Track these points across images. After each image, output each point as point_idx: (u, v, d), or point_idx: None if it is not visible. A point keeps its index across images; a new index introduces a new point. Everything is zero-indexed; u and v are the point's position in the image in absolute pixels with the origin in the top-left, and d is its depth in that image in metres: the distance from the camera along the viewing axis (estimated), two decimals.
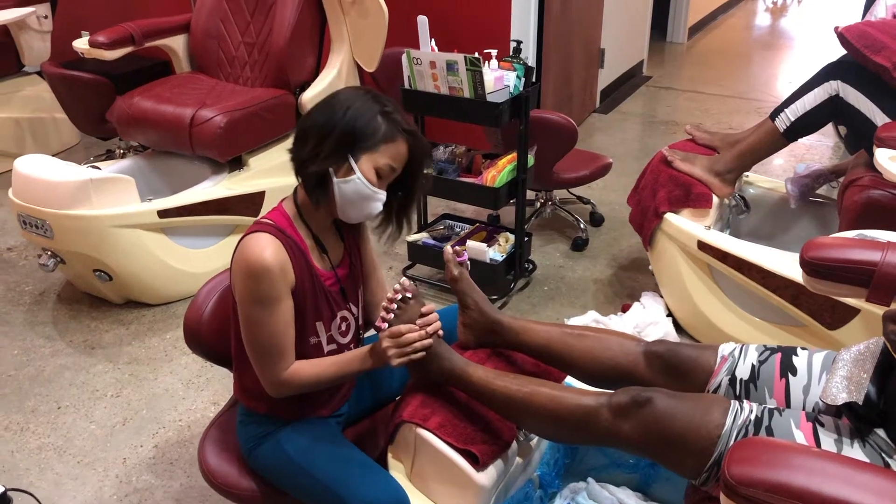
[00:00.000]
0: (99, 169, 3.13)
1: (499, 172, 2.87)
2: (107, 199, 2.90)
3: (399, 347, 1.58)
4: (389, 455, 1.78)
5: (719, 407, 1.41)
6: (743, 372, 1.54)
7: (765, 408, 1.40)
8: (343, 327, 1.75)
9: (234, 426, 1.86)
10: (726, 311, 2.72)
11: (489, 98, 2.71)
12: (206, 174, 3.34)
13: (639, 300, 3.01)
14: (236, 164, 3.35)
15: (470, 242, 3.03)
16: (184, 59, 3.74)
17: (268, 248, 1.53)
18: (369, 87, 1.62)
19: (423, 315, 1.63)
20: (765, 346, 1.58)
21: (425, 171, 1.66)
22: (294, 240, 1.60)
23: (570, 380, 1.90)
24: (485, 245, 3.00)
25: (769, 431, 1.35)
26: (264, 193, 3.34)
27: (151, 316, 3.12)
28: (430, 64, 2.74)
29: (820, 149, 4.59)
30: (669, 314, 2.91)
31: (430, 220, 3.33)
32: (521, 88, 2.82)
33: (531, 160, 2.98)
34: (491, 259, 3.00)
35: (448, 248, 1.86)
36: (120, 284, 3.05)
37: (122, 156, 4.22)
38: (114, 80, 3.87)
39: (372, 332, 1.87)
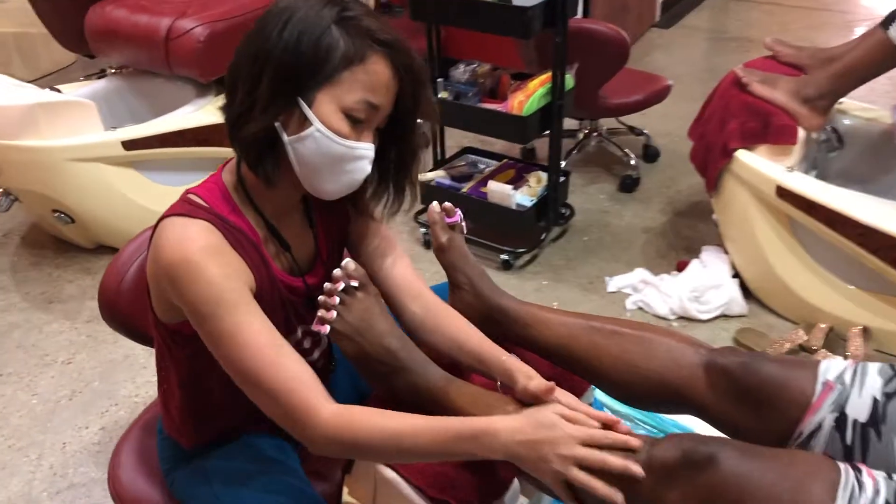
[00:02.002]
0: (59, 91, 2.67)
1: (528, 97, 2.32)
2: (60, 127, 2.43)
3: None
4: (345, 491, 1.31)
5: (822, 478, 0.89)
6: (859, 410, 1.01)
7: None
8: (307, 344, 1.24)
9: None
10: (809, 275, 2.17)
11: (515, 1, 2.14)
12: (191, 98, 2.86)
13: (698, 256, 2.46)
14: (224, 85, 2.85)
15: (492, 184, 2.49)
16: None
17: (200, 240, 1.01)
18: None
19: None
20: (893, 366, 1.04)
21: (424, 100, 1.09)
22: (241, 229, 1.07)
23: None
24: (509, 187, 2.46)
25: None
26: None
27: None
28: None
29: None
30: (736, 275, 2.36)
31: (448, 154, 2.80)
32: None
33: (570, 81, 2.41)
34: (518, 204, 2.47)
35: (434, 206, 1.34)
36: (84, 227, 2.62)
37: (113, 75, 3.76)
38: None
39: None
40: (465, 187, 2.59)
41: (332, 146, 1.02)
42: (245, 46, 1.02)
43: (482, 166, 2.74)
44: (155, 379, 1.94)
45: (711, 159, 2.31)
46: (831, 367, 1.06)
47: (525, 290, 2.47)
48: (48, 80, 4.06)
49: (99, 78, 3.85)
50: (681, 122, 3.28)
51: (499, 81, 2.55)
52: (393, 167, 1.15)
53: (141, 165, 2.62)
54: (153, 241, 1.05)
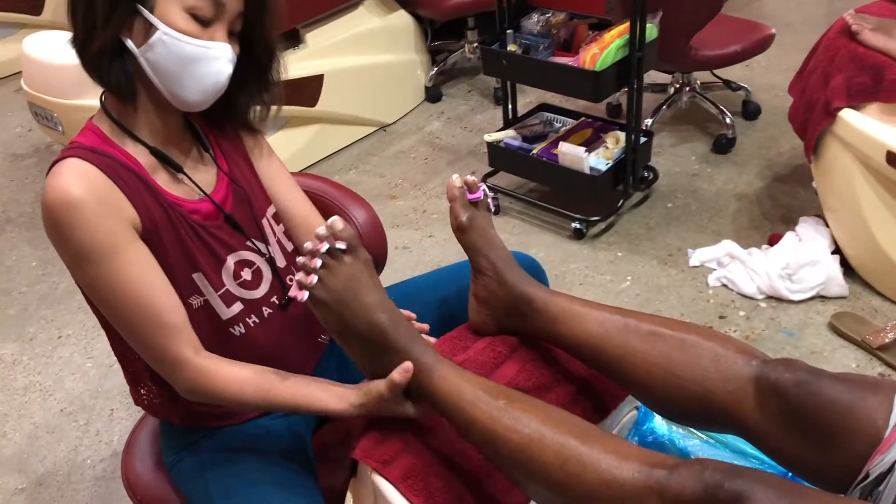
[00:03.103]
0: None
1: (602, 50, 2.10)
2: None
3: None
4: (349, 495, 1.19)
5: None
6: None
7: None
8: (246, 276, 1.14)
9: None
10: None
11: None
12: None
13: (793, 229, 2.19)
14: (291, 40, 2.76)
15: (563, 145, 2.29)
16: None
17: (71, 177, 0.95)
18: None
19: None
20: None
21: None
22: (115, 158, 1.00)
23: None
24: (582, 149, 2.26)
25: None
26: (322, 77, 2.76)
27: None
28: None
29: None
30: (836, 251, 2.09)
31: (522, 112, 2.60)
32: None
33: (653, 31, 2.17)
34: (591, 168, 2.26)
35: (454, 180, 1.18)
36: None
37: None
38: None
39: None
40: (537, 148, 2.39)
41: (183, 48, 0.97)
42: None
43: (558, 125, 2.54)
44: None
45: (812, 119, 2.03)
46: None
47: (598, 261, 2.28)
48: None
49: None
50: (787, 76, 2.95)
51: (574, 32, 2.33)
52: (254, 71, 1.09)
53: None
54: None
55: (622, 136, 2.33)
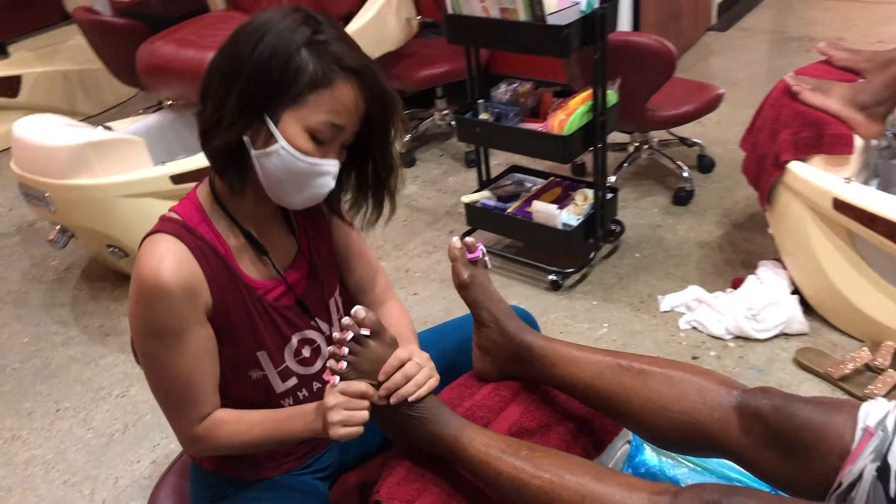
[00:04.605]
0: (111, 130, 2.74)
1: (569, 116, 2.26)
2: (112, 164, 2.49)
3: (350, 411, 1.06)
4: None
5: None
6: None
7: None
8: (306, 353, 1.25)
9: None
10: (873, 291, 2.05)
11: (550, 20, 2.10)
12: None
13: (754, 272, 2.36)
14: None
15: (537, 204, 2.44)
16: None
17: (166, 260, 1.05)
18: (301, 6, 1.06)
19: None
20: None
21: (394, 121, 1.11)
22: (207, 241, 1.10)
23: None
24: (554, 207, 2.41)
25: None
26: None
27: None
28: None
29: None
30: (795, 291, 2.25)
31: (494, 174, 2.76)
32: (597, 4, 2.18)
33: (613, 97, 2.35)
34: (563, 224, 2.41)
35: (454, 241, 1.31)
36: None
37: (171, 108, 3.86)
38: (153, 25, 3.46)
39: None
40: (511, 207, 2.54)
41: (295, 163, 1.04)
42: (218, 60, 1.04)
43: (529, 185, 2.69)
44: None
45: (764, 171, 2.21)
46: (872, 411, 0.98)
47: (575, 310, 2.41)
48: (111, 113, 4.20)
49: (156, 110, 3.97)
50: (738, 130, 3.16)
51: (540, 100, 2.51)
52: (371, 180, 1.18)
53: None
54: (138, 255, 1.08)
55: (590, 193, 2.49)
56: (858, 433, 0.96)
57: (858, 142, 2.07)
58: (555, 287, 2.50)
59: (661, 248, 2.66)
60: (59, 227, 2.63)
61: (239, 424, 1.15)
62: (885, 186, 2.19)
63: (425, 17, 3.36)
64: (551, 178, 2.68)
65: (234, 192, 1.09)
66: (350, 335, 1.08)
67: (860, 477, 0.95)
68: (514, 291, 2.51)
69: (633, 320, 2.34)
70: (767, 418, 1.03)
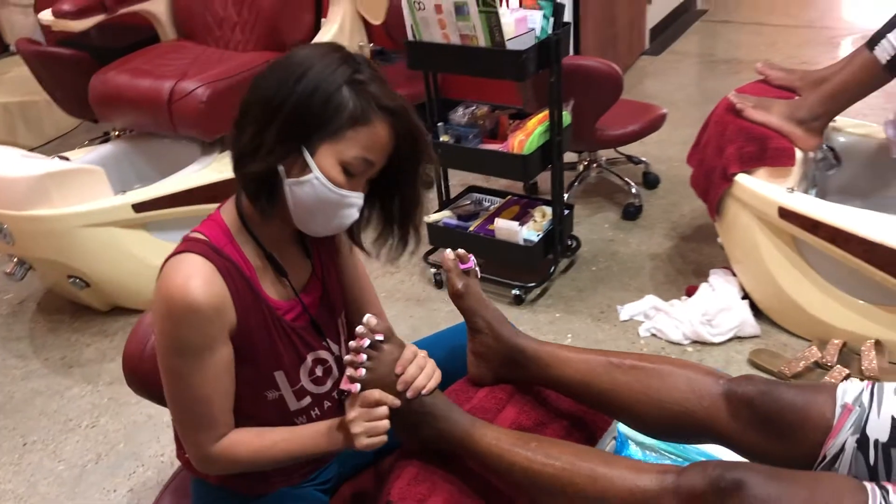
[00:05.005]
0: (68, 160, 2.72)
1: (528, 136, 2.36)
2: (71, 194, 2.48)
3: (371, 421, 1.12)
4: None
5: (850, 498, 0.92)
6: (879, 430, 1.03)
7: None
8: (319, 372, 1.29)
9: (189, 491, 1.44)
10: (818, 293, 2.19)
11: (509, 45, 2.20)
12: (196, 156, 2.91)
13: (706, 280, 2.49)
14: (224, 144, 2.91)
15: (499, 221, 2.53)
16: (168, 26, 3.29)
17: (196, 278, 1.08)
18: (339, 44, 1.13)
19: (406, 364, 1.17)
20: None
21: (424, 159, 1.17)
22: (234, 262, 1.14)
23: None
24: (516, 223, 2.50)
25: None
26: None
27: None
28: (434, 8, 2.23)
29: None
30: (745, 296, 2.39)
31: (453, 194, 2.84)
32: (550, 31, 2.29)
33: (567, 118, 2.46)
34: (525, 240, 2.50)
35: (448, 253, 1.38)
36: (99, 290, 2.65)
37: (118, 138, 3.83)
38: (98, 56, 3.45)
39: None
40: (472, 226, 2.62)
41: (326, 193, 1.10)
42: (258, 89, 1.09)
43: (487, 204, 2.78)
44: None
45: (712, 184, 2.35)
46: (848, 389, 1.08)
47: (539, 322, 2.49)
48: (52, 145, 4.13)
49: (103, 142, 3.94)
50: (679, 148, 3.35)
51: (497, 122, 2.60)
52: (397, 213, 1.23)
53: (151, 226, 2.66)
54: (157, 282, 1.12)
55: (548, 210, 2.59)
56: (838, 410, 1.06)
57: (798, 154, 2.22)
58: (518, 301, 2.58)
59: (616, 261, 2.77)
60: (16, 258, 2.60)
61: (258, 443, 1.19)
62: (822, 195, 2.35)
63: (376, 44, 3.43)
64: (509, 196, 2.77)
65: (264, 216, 1.13)
66: (366, 342, 1.13)
67: (842, 449, 1.04)
68: None
69: (595, 330, 2.44)
70: (754, 402, 1.12)
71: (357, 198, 1.14)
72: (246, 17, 3.07)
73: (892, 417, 1.03)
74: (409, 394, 1.14)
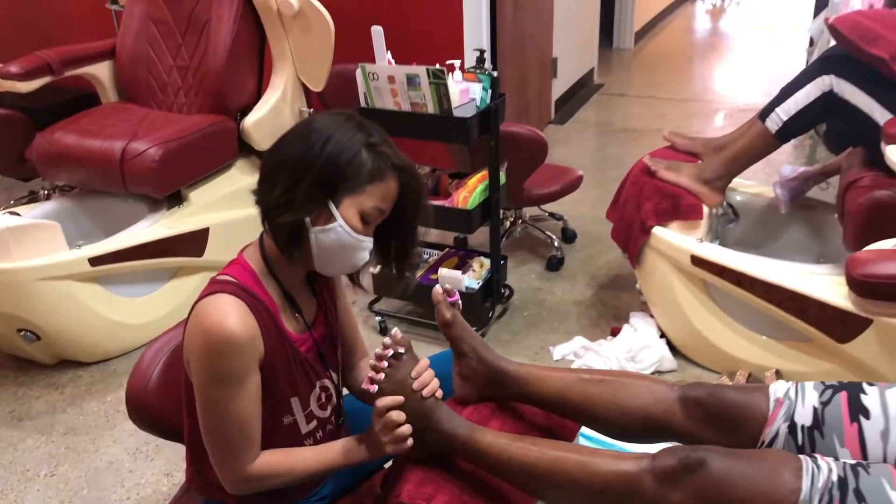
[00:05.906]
0: (19, 215, 2.78)
1: (470, 193, 2.62)
2: (29, 249, 2.55)
3: (392, 429, 1.32)
4: None
5: (789, 466, 1.17)
6: (804, 417, 1.30)
7: (845, 464, 1.17)
8: (323, 398, 1.47)
9: None
10: (726, 330, 2.51)
11: (456, 113, 2.46)
12: (143, 213, 3.02)
13: (628, 322, 2.78)
14: (175, 199, 3.03)
15: (443, 270, 2.76)
16: (110, 89, 3.40)
17: (232, 315, 1.25)
18: (350, 113, 1.34)
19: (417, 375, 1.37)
20: (823, 383, 1.35)
21: (423, 208, 1.40)
22: (262, 300, 1.32)
23: (584, 430, 1.65)
24: (459, 272, 2.74)
25: (859, 496, 1.11)
26: (208, 230, 3.02)
27: (89, 376, 2.77)
28: (388, 79, 2.48)
29: (784, 148, 4.45)
30: (663, 335, 2.69)
31: None
32: (489, 101, 2.58)
33: (503, 177, 2.74)
34: (467, 287, 2.74)
35: (438, 288, 1.59)
36: (50, 343, 2.70)
37: (47, 197, 3.86)
38: (33, 115, 3.51)
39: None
40: (436, 286, 2.83)
41: (347, 239, 1.29)
42: (281, 153, 1.29)
43: (426, 255, 3.01)
44: (143, 481, 2.14)
45: (632, 237, 2.66)
46: (777, 388, 1.35)
47: None
48: None
49: (30, 201, 3.96)
50: (589, 207, 3.70)
51: (438, 181, 2.85)
52: (395, 256, 1.45)
53: (104, 280, 2.74)
54: (191, 320, 1.28)
55: (486, 260, 2.84)
56: (772, 404, 1.33)
57: (705, 210, 2.56)
58: None
59: (544, 308, 3.04)
60: None
61: (290, 460, 1.36)
62: (724, 245, 2.70)
63: (316, 109, 3.64)
64: (447, 248, 3.01)
65: (292, 260, 1.32)
66: (391, 351, 1.33)
67: (777, 434, 1.31)
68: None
69: None
70: (704, 403, 1.38)
71: (369, 242, 1.34)
72: (190, 83, 3.23)
73: (814, 407, 1.30)
74: (425, 392, 1.35)
